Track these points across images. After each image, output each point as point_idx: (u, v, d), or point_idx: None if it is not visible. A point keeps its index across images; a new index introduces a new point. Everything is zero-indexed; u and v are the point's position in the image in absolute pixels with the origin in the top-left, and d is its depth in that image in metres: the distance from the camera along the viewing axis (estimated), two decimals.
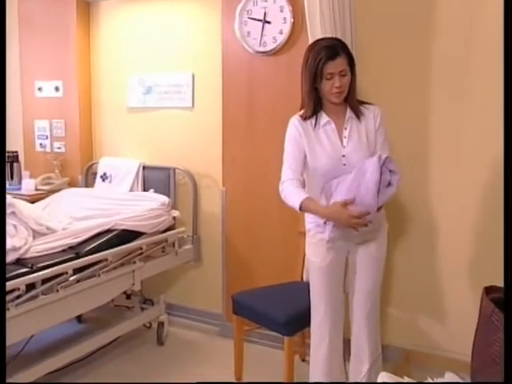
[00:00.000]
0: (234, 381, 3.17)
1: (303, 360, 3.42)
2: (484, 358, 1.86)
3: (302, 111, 2.54)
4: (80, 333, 3.51)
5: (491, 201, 2.99)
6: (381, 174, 2.30)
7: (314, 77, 2.38)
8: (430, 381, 2.02)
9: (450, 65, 3.03)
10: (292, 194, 2.47)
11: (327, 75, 2.36)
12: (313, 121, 2.50)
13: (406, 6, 3.11)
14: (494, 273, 2.90)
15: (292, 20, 3.30)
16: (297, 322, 2.88)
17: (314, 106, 2.47)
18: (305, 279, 3.32)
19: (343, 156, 2.46)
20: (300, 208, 2.43)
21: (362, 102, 2.56)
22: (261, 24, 3.40)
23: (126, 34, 4.11)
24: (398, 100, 3.15)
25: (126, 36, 4.12)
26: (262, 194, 3.53)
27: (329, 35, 2.98)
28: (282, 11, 3.33)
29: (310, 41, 3.03)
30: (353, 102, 2.50)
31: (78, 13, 4.12)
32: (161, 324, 3.68)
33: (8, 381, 2.54)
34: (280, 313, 2.85)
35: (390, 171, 2.35)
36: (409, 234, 3.22)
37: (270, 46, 3.39)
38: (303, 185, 2.55)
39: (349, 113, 2.50)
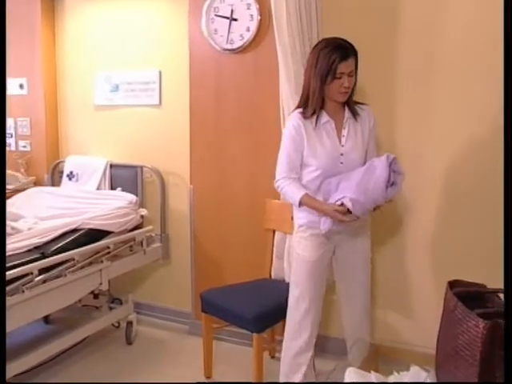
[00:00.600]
0: (203, 378, 3.17)
1: (273, 357, 3.43)
2: (448, 350, 1.88)
3: (302, 109, 2.57)
4: (48, 333, 3.45)
5: (456, 198, 3.05)
6: (389, 172, 2.41)
7: (325, 76, 2.43)
8: (395, 375, 2.04)
9: (415, 61, 3.06)
10: (291, 190, 2.55)
11: (338, 74, 2.42)
12: (313, 119, 2.53)
13: (371, 3, 3.14)
14: (458, 267, 2.97)
15: (259, 17, 3.30)
16: (265, 319, 2.90)
17: (319, 104, 2.52)
18: (273, 276, 3.34)
19: (341, 155, 2.54)
20: (300, 203, 2.52)
21: (356, 102, 2.62)
22: (228, 21, 3.40)
23: (92, 30, 4.07)
24: (364, 96, 3.16)
25: (92, 32, 4.07)
26: (230, 192, 3.53)
27: (295, 33, 3.00)
28: (248, 8, 3.33)
29: (277, 39, 3.05)
30: (351, 103, 2.59)
31: (42, 9, 4.06)
32: (129, 323, 3.66)
33: None
34: (248, 310, 2.86)
35: (394, 171, 2.44)
36: (375, 230, 3.24)
37: (237, 44, 3.39)
38: (299, 182, 2.61)
39: (347, 113, 2.58)
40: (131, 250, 3.59)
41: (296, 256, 2.73)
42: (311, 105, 2.52)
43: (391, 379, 2.02)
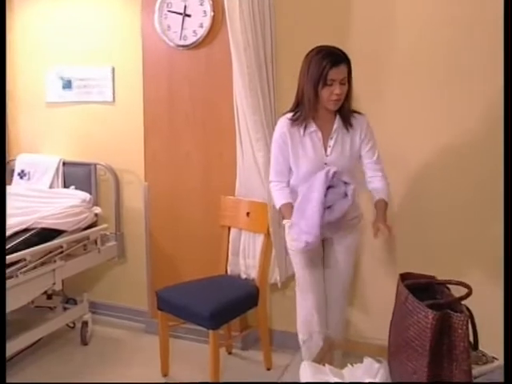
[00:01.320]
0: (160, 377, 3.15)
1: (230, 353, 3.44)
2: (400, 341, 1.92)
3: (292, 114, 2.54)
4: None
5: (408, 194, 3.10)
6: (327, 189, 2.39)
7: (317, 82, 2.39)
8: (349, 367, 2.07)
9: (365, 62, 3.08)
10: (276, 195, 2.62)
11: (329, 81, 2.37)
12: (301, 127, 2.51)
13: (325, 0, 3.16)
14: (410, 260, 3.03)
15: (212, 13, 3.28)
16: (221, 316, 2.90)
17: (312, 113, 2.48)
18: (229, 273, 3.34)
19: (325, 164, 2.51)
20: (279, 210, 2.62)
21: (352, 111, 2.56)
22: (181, 17, 3.38)
23: (44, 26, 3.98)
24: None
25: (43, 28, 3.99)
26: (185, 189, 3.52)
27: (249, 29, 3.01)
28: (201, 4, 3.32)
29: (230, 35, 3.05)
30: (345, 112, 2.52)
31: None
32: (85, 323, 3.60)
33: None
34: (204, 307, 2.85)
35: (345, 183, 2.44)
36: None
37: (191, 40, 3.37)
38: (288, 183, 2.62)
39: (337, 123, 2.52)
40: (85, 249, 3.54)
41: (289, 248, 2.73)
42: (303, 112, 2.49)
43: (345, 371, 2.05)
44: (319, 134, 2.51)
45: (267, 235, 3.15)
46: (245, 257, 3.33)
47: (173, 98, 3.49)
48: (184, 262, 3.59)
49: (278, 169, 2.60)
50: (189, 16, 3.36)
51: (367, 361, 2.06)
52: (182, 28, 3.38)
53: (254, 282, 3.22)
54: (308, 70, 2.42)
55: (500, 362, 2.21)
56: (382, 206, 2.53)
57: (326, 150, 2.52)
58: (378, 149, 2.62)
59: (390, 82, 3.06)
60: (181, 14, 3.37)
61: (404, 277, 2.03)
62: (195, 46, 3.37)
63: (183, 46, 3.40)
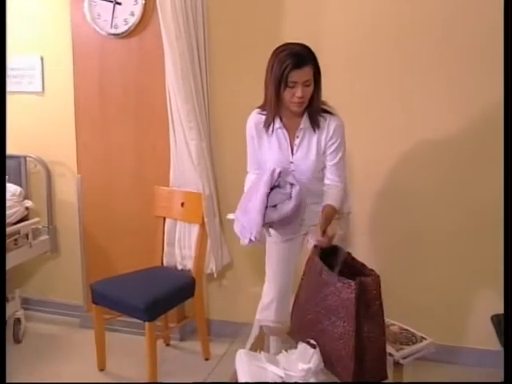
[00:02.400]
0: (96, 371, 3.11)
1: (168, 344, 3.43)
2: (318, 310, 2.02)
3: (261, 109, 2.47)
4: None
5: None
6: (273, 188, 2.37)
7: (278, 84, 2.28)
8: (284, 353, 2.10)
9: None
10: (248, 186, 2.55)
11: (290, 83, 2.27)
12: (268, 125, 2.45)
13: None
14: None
15: (143, 1, 3.22)
16: (157, 307, 2.88)
17: (274, 112, 2.40)
18: (165, 264, 3.32)
19: (291, 162, 2.47)
20: None
21: (325, 111, 2.45)
22: (111, 5, 3.31)
23: None
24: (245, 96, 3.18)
25: None
26: (119, 180, 3.47)
27: (180, 18, 2.98)
28: None
29: (162, 23, 3.01)
30: (313, 113, 2.42)
31: None
32: (17, 320, 3.50)
33: None
34: (139, 299, 2.82)
35: (291, 184, 2.41)
36: None
37: (122, 29, 3.30)
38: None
39: (304, 123, 2.44)
40: (16, 244, 3.42)
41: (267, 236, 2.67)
42: (269, 111, 2.42)
43: (280, 357, 2.08)
44: (285, 132, 2.45)
45: (202, 225, 3.14)
46: (180, 247, 3.32)
47: (104, 87, 3.41)
48: (119, 255, 3.54)
49: (252, 160, 2.55)
50: (119, 4, 3.30)
51: (301, 346, 2.08)
52: (113, 16, 3.31)
53: (190, 273, 3.21)
54: (271, 69, 2.31)
55: (429, 340, 2.31)
56: (327, 212, 2.39)
57: (292, 148, 2.47)
58: (345, 154, 2.51)
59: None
60: (111, 1, 3.31)
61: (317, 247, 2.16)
62: (127, 34, 3.31)
63: (114, 34, 3.33)
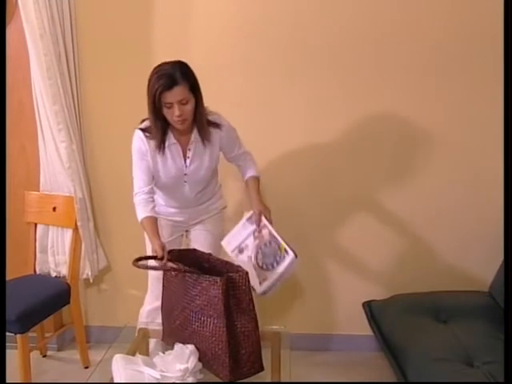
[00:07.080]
0: None
1: (44, 356, 3.30)
2: (188, 312, 2.11)
3: (145, 125, 2.42)
4: None
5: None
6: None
7: (155, 106, 2.25)
8: (161, 354, 2.09)
9: (170, 50, 3.06)
10: (139, 209, 2.44)
11: (167, 104, 2.24)
12: (158, 142, 2.39)
13: None
14: None
15: None
16: (29, 318, 2.77)
17: (162, 132, 2.37)
18: (38, 271, 3.20)
19: (185, 175, 2.49)
20: (141, 223, 2.43)
21: (210, 124, 2.45)
22: None
23: None
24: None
25: None
26: None
27: (44, 15, 2.87)
28: None
29: (24, 20, 2.88)
30: (200, 127, 2.41)
31: None
32: None
33: None
34: (9, 310, 2.67)
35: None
36: None
37: None
38: (153, 192, 2.50)
39: (193, 136, 2.43)
40: None
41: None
42: (154, 132, 2.38)
43: (156, 359, 2.07)
44: (178, 146, 2.45)
45: (75, 230, 3.05)
46: (54, 254, 3.20)
47: None
48: None
49: (142, 178, 2.45)
50: None
51: (178, 347, 2.10)
52: None
53: (65, 279, 3.10)
54: (147, 93, 2.29)
55: (291, 255, 2.28)
56: (256, 184, 2.59)
57: (185, 161, 2.47)
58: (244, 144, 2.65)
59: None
60: None
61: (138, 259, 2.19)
62: None
63: None
